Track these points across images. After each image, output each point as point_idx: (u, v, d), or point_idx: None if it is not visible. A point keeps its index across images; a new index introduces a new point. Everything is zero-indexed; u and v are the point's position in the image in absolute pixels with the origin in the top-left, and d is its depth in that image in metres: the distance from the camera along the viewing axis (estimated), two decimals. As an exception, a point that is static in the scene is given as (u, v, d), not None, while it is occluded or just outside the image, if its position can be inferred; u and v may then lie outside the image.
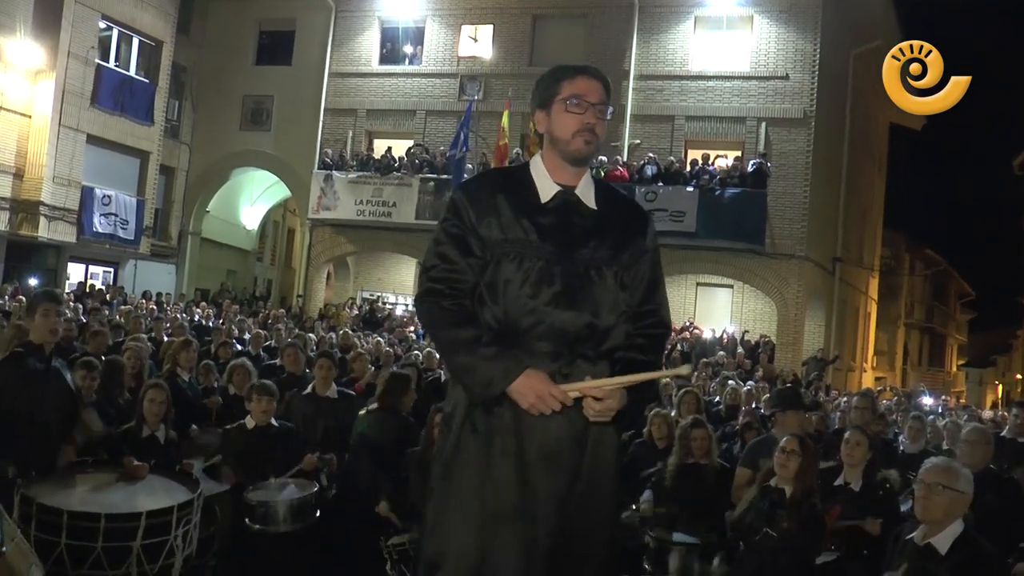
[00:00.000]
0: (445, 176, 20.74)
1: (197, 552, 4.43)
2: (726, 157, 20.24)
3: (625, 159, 20.35)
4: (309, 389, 6.68)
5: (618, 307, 2.61)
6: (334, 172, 22.30)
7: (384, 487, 5.67)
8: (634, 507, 5.81)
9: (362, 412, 6.50)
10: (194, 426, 6.56)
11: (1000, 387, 44.87)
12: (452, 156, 20.04)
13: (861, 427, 5.66)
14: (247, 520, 5.11)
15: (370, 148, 23.50)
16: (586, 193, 2.68)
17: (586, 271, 2.57)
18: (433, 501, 2.61)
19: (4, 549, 2.81)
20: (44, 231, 20.60)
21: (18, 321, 6.24)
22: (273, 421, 5.79)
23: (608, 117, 2.69)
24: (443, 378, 8.88)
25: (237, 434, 5.71)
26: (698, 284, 22.17)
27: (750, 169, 18.97)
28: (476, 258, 2.58)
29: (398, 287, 26.13)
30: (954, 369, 46.73)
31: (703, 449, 5.86)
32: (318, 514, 5.34)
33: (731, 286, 21.78)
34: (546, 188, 2.64)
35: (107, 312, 14.39)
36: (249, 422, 5.74)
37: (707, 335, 20.38)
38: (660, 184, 19.21)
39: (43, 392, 4.34)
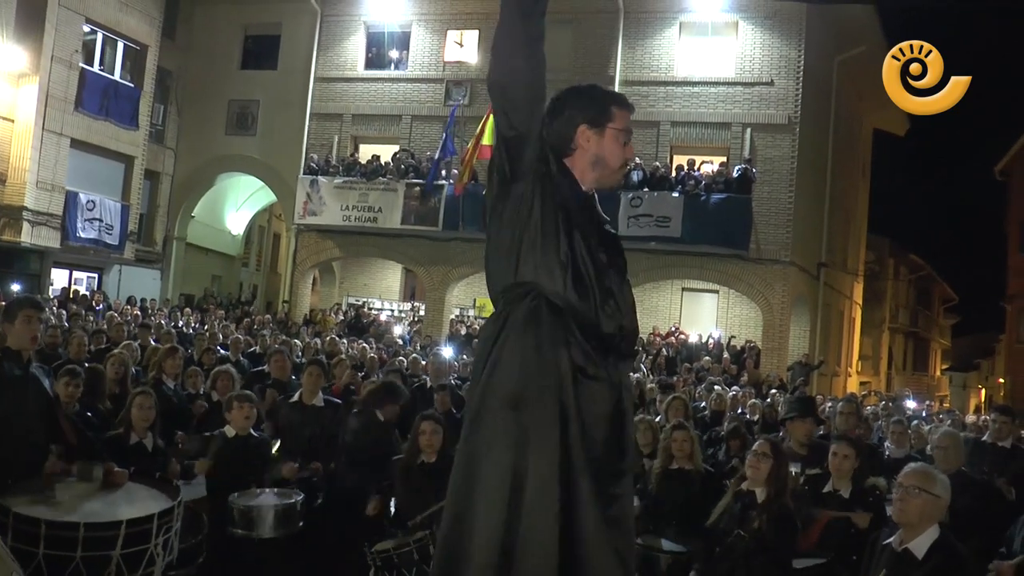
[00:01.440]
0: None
1: (183, 561, 4.41)
2: (711, 163, 20.32)
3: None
4: (296, 396, 6.68)
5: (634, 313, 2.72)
6: (320, 177, 22.27)
7: (370, 489, 5.70)
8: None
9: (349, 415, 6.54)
10: (180, 432, 6.55)
11: (983, 391, 45.16)
12: (435, 161, 20.10)
13: (848, 437, 5.71)
14: (231, 526, 5.11)
15: (355, 153, 23.48)
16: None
17: (610, 271, 2.66)
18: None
19: None
20: (27, 236, 20.46)
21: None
22: (252, 431, 5.78)
23: None
24: (428, 384, 8.88)
25: (216, 442, 5.70)
26: (683, 289, 22.26)
27: (735, 175, 19.06)
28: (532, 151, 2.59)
29: (384, 292, 26.11)
30: (938, 373, 47.01)
31: (684, 452, 5.85)
32: (302, 523, 5.34)
33: (716, 291, 21.87)
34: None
35: (92, 318, 14.31)
36: (229, 431, 5.73)
37: (693, 340, 20.46)
38: (646, 189, 19.27)
39: (21, 399, 4.30)
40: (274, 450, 6.16)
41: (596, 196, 2.80)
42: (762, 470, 4.61)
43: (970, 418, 17.04)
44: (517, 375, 2.48)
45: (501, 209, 2.62)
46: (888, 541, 3.84)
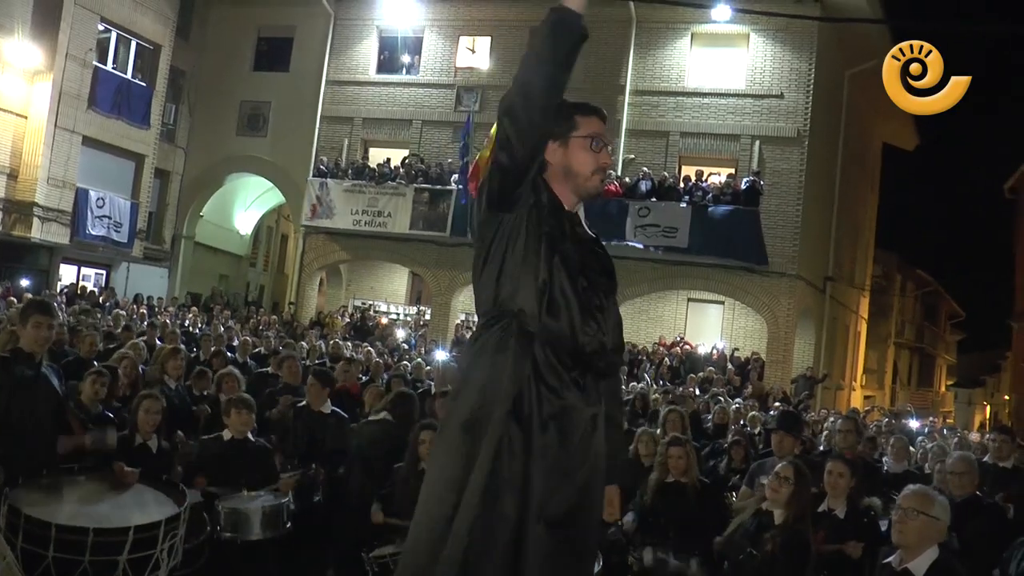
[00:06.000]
0: (439, 187, 20.84)
1: (184, 561, 4.45)
2: (719, 174, 20.34)
3: (619, 174, 20.44)
4: (303, 402, 6.73)
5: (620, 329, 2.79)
6: (329, 180, 22.34)
7: (375, 495, 5.72)
8: (619, 523, 5.84)
9: (363, 421, 6.57)
10: (180, 433, 6.57)
11: (988, 408, 44.98)
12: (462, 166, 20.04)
13: (842, 456, 5.70)
14: (219, 529, 5.13)
15: (365, 156, 23.56)
16: (582, 219, 2.82)
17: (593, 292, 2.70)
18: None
19: None
20: (37, 232, 20.57)
21: (12, 327, 6.24)
22: (250, 436, 5.81)
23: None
24: (433, 390, 8.90)
25: (213, 444, 5.74)
26: (689, 299, 22.25)
27: (743, 186, 19.07)
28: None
29: (390, 296, 26.16)
30: (943, 389, 46.87)
31: (680, 468, 5.87)
32: (289, 525, 5.36)
33: (722, 302, 21.86)
34: None
35: (99, 315, 14.38)
36: (226, 434, 5.76)
37: (698, 351, 20.46)
38: (653, 199, 19.29)
39: (32, 399, 4.35)
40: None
41: (582, 213, 2.81)
42: (781, 493, 4.59)
43: (974, 436, 17.01)
44: (475, 400, 2.54)
45: (488, 235, 2.66)
46: (888, 560, 3.86)
